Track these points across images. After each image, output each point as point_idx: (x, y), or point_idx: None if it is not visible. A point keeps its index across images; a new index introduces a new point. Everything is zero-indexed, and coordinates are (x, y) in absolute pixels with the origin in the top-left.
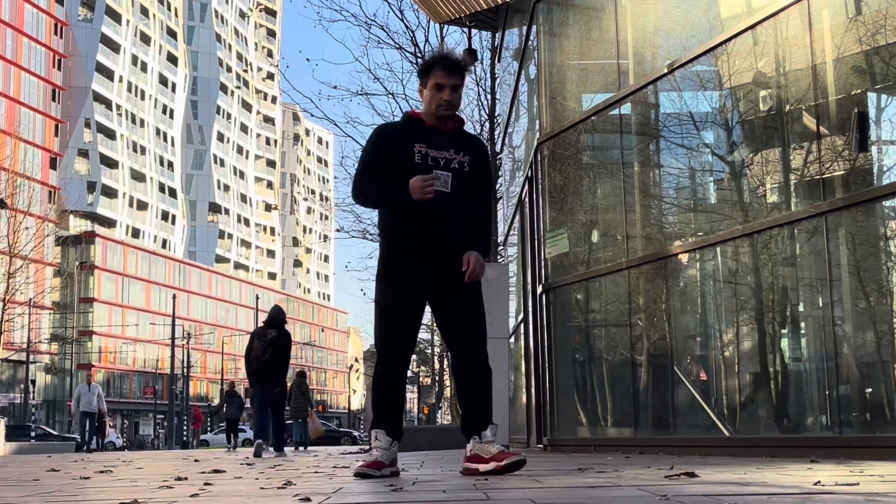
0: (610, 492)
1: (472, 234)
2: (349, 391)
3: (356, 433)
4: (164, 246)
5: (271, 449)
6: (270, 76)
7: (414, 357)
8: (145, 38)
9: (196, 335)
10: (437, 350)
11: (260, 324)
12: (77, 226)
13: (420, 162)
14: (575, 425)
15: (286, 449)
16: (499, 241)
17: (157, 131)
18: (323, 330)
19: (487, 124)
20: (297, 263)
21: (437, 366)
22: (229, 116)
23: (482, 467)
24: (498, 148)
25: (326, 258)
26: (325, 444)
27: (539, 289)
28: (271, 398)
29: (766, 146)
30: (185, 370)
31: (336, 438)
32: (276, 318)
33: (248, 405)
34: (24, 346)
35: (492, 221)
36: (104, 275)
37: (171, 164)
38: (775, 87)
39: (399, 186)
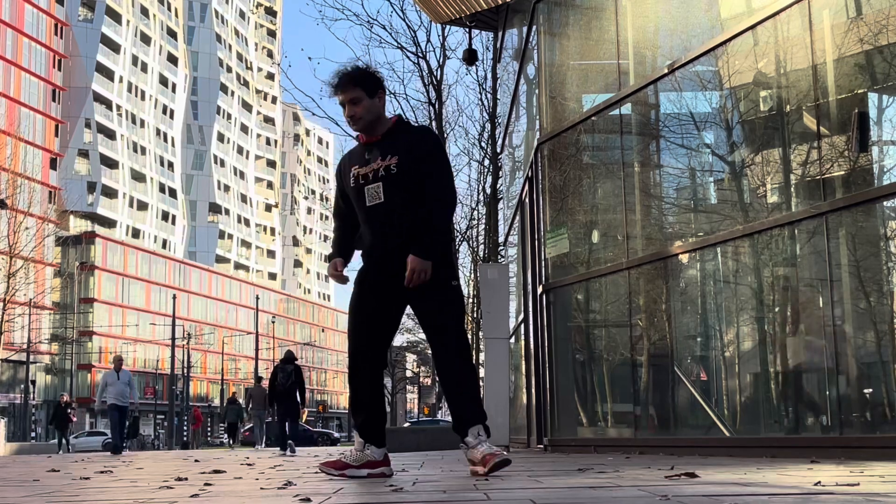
0: (610, 492)
1: (414, 235)
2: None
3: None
4: (164, 246)
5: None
6: (270, 76)
7: (414, 357)
8: (145, 39)
9: (196, 335)
10: None
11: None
12: (77, 226)
13: (353, 185)
14: (575, 425)
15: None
16: (499, 241)
17: (157, 131)
18: (323, 330)
19: (489, 124)
20: (298, 263)
21: None
22: (229, 117)
23: (471, 469)
24: (498, 148)
25: (327, 258)
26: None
27: (539, 289)
28: (289, 413)
29: (766, 146)
30: (186, 370)
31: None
32: (290, 357)
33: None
34: (25, 346)
35: (443, 214)
36: (104, 275)
37: (171, 165)
38: (775, 87)
39: (334, 252)
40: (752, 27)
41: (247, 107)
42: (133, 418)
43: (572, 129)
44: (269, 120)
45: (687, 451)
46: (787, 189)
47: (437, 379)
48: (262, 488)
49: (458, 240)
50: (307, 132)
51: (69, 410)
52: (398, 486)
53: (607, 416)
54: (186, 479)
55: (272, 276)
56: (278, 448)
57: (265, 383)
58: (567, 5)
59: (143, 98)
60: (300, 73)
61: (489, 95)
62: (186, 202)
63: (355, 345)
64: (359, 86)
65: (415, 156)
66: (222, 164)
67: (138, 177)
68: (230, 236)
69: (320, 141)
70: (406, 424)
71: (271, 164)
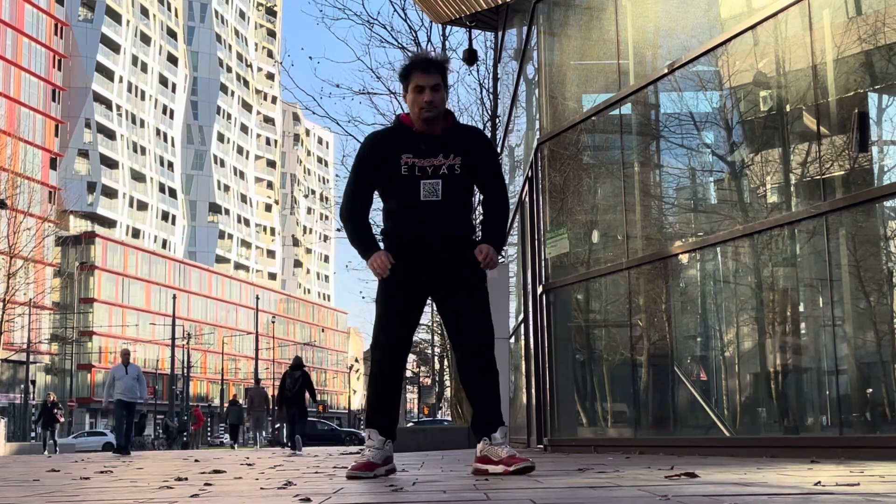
0: (610, 492)
1: (488, 227)
2: (349, 391)
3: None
4: (164, 246)
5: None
6: (270, 76)
7: (414, 357)
8: (145, 39)
9: (196, 335)
10: (437, 350)
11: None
12: (77, 226)
13: (406, 174)
14: (575, 425)
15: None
16: None
17: (157, 131)
18: (323, 330)
19: (489, 124)
20: (297, 263)
21: (437, 366)
22: (229, 117)
23: (491, 468)
24: (498, 148)
25: (326, 258)
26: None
27: (539, 289)
28: (297, 415)
29: (766, 146)
30: (186, 370)
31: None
32: (298, 364)
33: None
34: (25, 346)
35: (508, 211)
36: (104, 275)
37: (171, 165)
38: (775, 87)
39: (368, 247)
40: (752, 27)
41: (247, 107)
42: (140, 416)
43: (572, 129)
44: (269, 120)
45: (687, 451)
46: (787, 189)
47: (461, 377)
48: (262, 488)
49: None
50: (307, 132)
51: (56, 410)
52: (398, 486)
53: (607, 416)
54: (186, 479)
55: (272, 276)
56: (289, 446)
57: (265, 383)
58: (567, 5)
59: (143, 98)
60: (301, 72)
61: (489, 95)
62: (186, 202)
63: (386, 338)
64: (442, 75)
65: (476, 157)
66: (222, 164)
67: (138, 177)
68: (230, 236)
69: (320, 141)
70: (409, 425)
71: (271, 164)
